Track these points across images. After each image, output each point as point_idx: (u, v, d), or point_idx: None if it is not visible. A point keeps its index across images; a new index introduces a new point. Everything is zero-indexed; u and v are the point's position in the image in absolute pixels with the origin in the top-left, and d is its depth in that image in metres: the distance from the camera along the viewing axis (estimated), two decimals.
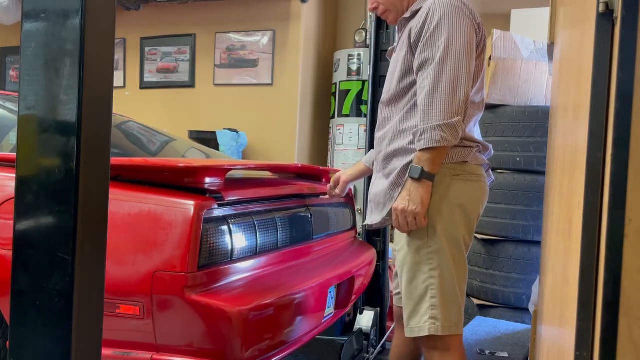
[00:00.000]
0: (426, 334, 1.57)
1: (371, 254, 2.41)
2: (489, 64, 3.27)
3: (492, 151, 1.76)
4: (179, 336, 1.45)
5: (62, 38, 0.72)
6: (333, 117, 4.65)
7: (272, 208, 1.82)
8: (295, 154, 4.58)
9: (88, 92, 0.72)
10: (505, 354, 2.49)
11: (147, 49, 5.00)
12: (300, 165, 2.62)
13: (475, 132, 1.71)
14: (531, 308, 2.32)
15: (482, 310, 3.32)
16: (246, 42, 4.70)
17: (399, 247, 1.67)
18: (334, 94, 4.64)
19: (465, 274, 1.63)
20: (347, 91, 4.53)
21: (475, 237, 3.09)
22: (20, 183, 0.74)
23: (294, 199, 2.01)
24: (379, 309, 2.60)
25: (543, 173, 2.77)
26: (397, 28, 1.79)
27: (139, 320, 1.46)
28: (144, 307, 1.44)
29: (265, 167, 2.24)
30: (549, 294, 1.54)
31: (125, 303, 1.46)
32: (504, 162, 3.21)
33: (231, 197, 1.62)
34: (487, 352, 2.51)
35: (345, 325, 2.57)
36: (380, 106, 1.77)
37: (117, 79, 5.05)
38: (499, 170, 3.24)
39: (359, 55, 4.50)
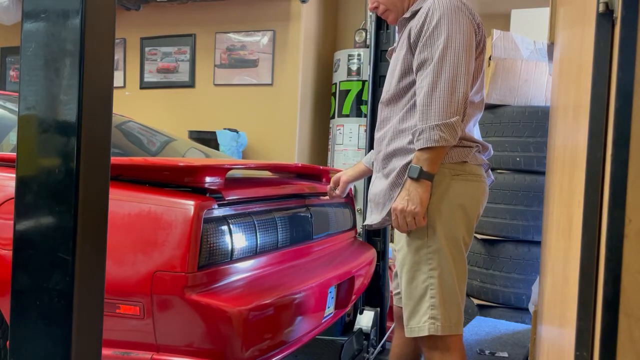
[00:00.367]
0: (426, 333, 1.57)
1: (371, 254, 2.41)
2: (489, 64, 3.27)
3: (492, 151, 1.76)
4: (179, 336, 1.46)
5: (62, 38, 0.72)
6: (333, 117, 4.65)
7: (272, 208, 1.82)
8: (295, 154, 4.58)
9: (88, 92, 0.72)
10: (505, 354, 2.49)
11: (147, 49, 5.00)
12: (300, 165, 2.61)
13: (475, 132, 1.71)
14: (531, 308, 2.32)
15: (482, 310, 3.32)
16: (246, 42, 4.70)
17: (398, 247, 1.67)
18: (334, 94, 4.64)
19: (465, 273, 1.63)
20: (347, 91, 4.53)
21: (475, 237, 3.10)
22: (20, 183, 0.74)
23: (294, 199, 2.01)
24: (379, 309, 2.60)
25: (543, 173, 2.77)
26: (397, 28, 1.79)
27: (139, 320, 1.46)
28: (144, 307, 1.44)
29: (266, 166, 2.24)
30: (549, 293, 1.54)
31: (125, 303, 1.46)
32: (504, 162, 3.20)
33: (231, 197, 1.62)
34: (487, 352, 2.51)
35: (345, 325, 2.57)
36: (379, 106, 1.77)
37: (117, 79, 5.05)
38: (499, 170, 3.24)
39: (359, 55, 4.50)
